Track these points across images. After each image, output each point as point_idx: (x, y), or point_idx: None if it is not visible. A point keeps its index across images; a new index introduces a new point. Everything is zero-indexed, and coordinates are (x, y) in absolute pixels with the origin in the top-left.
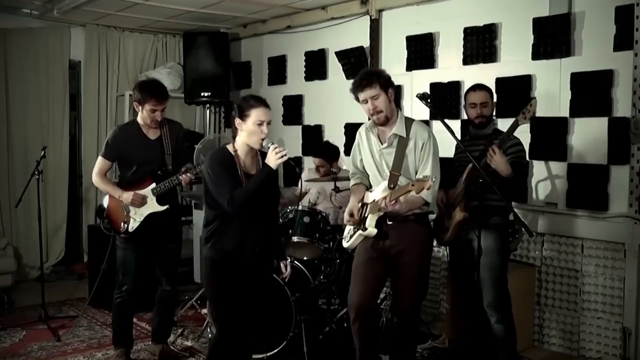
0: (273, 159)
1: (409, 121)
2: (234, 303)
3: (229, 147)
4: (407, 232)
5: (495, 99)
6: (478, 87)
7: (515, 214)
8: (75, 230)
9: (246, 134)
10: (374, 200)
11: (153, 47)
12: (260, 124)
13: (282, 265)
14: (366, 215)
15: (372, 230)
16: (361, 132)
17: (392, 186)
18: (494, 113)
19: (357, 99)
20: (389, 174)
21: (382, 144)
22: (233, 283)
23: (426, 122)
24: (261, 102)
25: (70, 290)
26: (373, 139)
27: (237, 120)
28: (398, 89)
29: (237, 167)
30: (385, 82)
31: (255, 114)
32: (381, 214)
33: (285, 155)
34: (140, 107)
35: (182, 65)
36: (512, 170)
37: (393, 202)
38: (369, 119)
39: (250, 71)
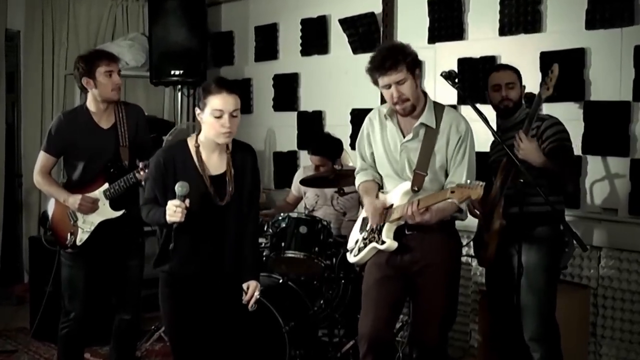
0: (167, 213)
1: (439, 108)
2: (177, 331)
3: (190, 141)
4: (431, 243)
5: (523, 83)
6: (502, 67)
7: (565, 223)
8: (14, 243)
9: (206, 127)
10: (391, 206)
11: (111, 13)
12: (219, 116)
13: (244, 286)
14: (382, 223)
15: (391, 243)
16: (372, 119)
17: (416, 189)
18: (523, 99)
19: (375, 82)
20: (411, 174)
21: (404, 136)
22: (177, 308)
23: (453, 108)
24: (223, 87)
25: (7, 319)
26: (391, 129)
27: (197, 110)
28: None
29: (196, 166)
30: (413, 62)
31: (211, 103)
32: (402, 223)
33: (178, 217)
34: (92, 81)
35: (147, 37)
36: (545, 159)
37: (422, 210)
38: (381, 104)
39: (232, 44)
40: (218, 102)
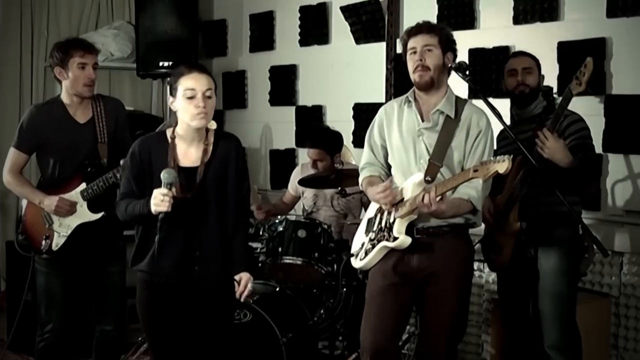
0: (152, 202)
1: (460, 101)
2: (154, 338)
3: (169, 132)
4: (442, 248)
5: (542, 72)
6: (520, 53)
7: (584, 226)
8: None
9: (181, 113)
10: (402, 199)
11: (94, 0)
12: (192, 96)
13: (237, 277)
14: (392, 220)
15: (404, 239)
16: (387, 109)
17: (429, 179)
18: (541, 86)
19: (404, 49)
20: (426, 163)
21: (422, 121)
22: (152, 313)
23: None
24: (193, 68)
25: None
26: (409, 114)
27: (170, 99)
28: None
29: (171, 157)
30: (447, 41)
31: (183, 84)
32: (414, 217)
33: (165, 206)
34: (65, 72)
35: (133, 26)
36: (572, 158)
37: (439, 198)
38: (385, 97)
39: (225, 33)
40: (190, 81)
